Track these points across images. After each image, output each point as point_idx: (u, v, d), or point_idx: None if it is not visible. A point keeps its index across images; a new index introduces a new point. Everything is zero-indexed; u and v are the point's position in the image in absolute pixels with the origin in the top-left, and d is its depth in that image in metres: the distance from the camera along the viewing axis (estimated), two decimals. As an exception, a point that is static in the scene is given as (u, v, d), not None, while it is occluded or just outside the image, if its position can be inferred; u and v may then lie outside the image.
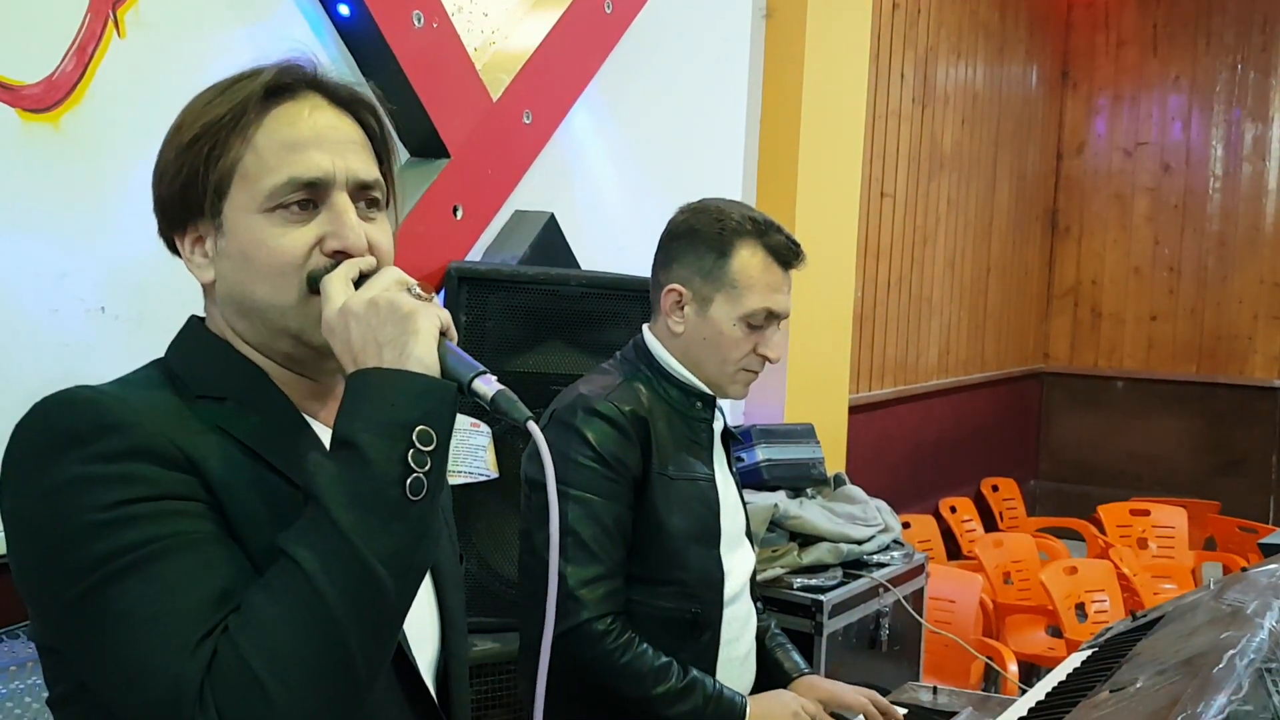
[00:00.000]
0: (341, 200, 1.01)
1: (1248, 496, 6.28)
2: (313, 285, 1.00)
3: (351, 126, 1.05)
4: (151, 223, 1.05)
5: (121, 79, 2.09)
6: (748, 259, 1.78)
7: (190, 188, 1.01)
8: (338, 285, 0.98)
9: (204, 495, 0.94)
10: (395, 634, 0.94)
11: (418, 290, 0.99)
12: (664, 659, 1.71)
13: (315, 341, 1.02)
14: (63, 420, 0.93)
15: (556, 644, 1.67)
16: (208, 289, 1.06)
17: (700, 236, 1.80)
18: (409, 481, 0.91)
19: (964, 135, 5.79)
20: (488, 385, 0.97)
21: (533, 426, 0.97)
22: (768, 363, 1.83)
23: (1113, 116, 6.89)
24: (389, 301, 0.96)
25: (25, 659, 1.83)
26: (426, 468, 0.92)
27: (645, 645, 1.70)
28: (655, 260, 1.87)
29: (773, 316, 1.80)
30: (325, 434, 1.06)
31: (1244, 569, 2.02)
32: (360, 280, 0.99)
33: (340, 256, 1.01)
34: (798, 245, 1.82)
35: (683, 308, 1.81)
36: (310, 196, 1.01)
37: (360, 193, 1.03)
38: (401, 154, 2.61)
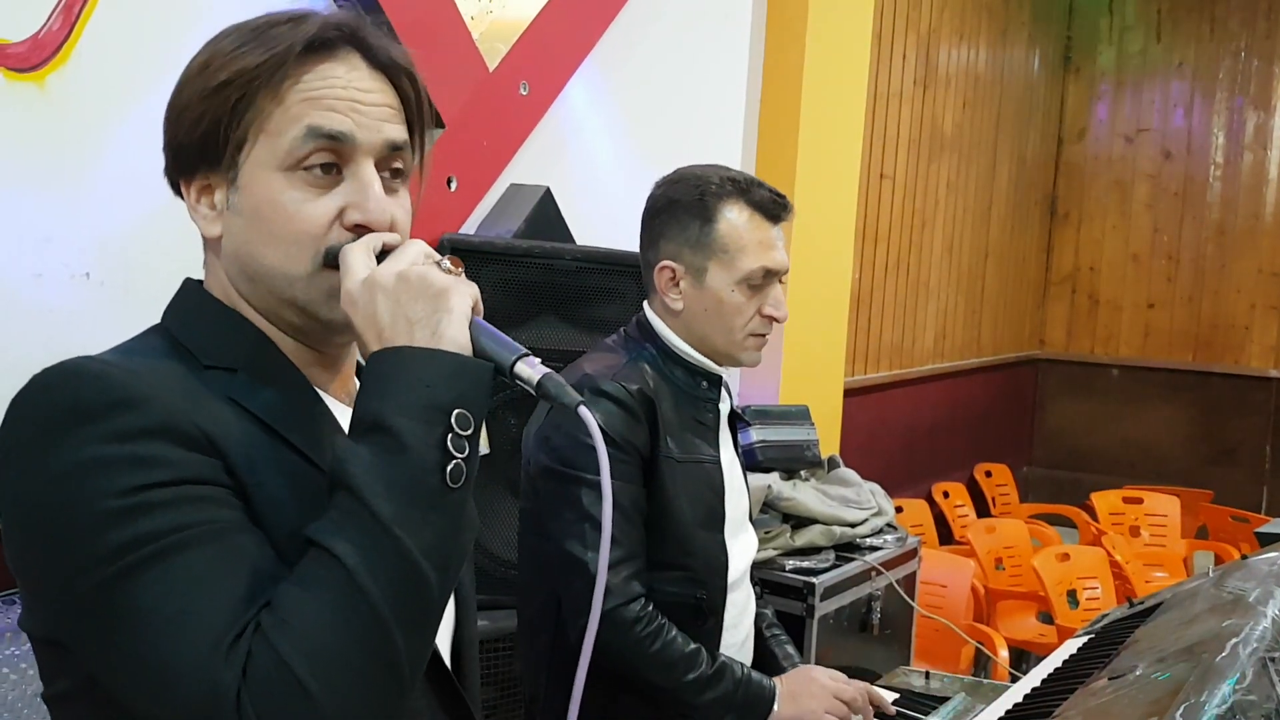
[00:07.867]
0: (367, 170, 0.96)
1: (1241, 486, 6.27)
2: (329, 260, 0.94)
3: (387, 91, 0.99)
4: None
5: (109, 39, 2.05)
6: (734, 220, 1.73)
7: (210, 137, 0.94)
8: (359, 257, 0.92)
9: (225, 479, 0.87)
10: (435, 630, 0.89)
11: (446, 264, 0.93)
12: (693, 645, 1.68)
13: (322, 315, 0.96)
14: (70, 394, 0.85)
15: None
16: (211, 244, 0.99)
17: (681, 206, 1.75)
18: (449, 468, 0.85)
19: (965, 118, 5.74)
20: (532, 369, 0.92)
21: (584, 412, 0.91)
22: (775, 323, 1.77)
23: (1114, 102, 6.85)
24: (420, 276, 0.90)
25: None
26: (465, 453, 0.87)
27: (675, 632, 1.68)
28: (641, 240, 1.82)
29: (771, 274, 1.75)
30: (337, 407, 1.02)
31: (1244, 557, 1.99)
32: (383, 255, 0.93)
33: (361, 230, 0.95)
34: (783, 197, 1.76)
35: (678, 283, 1.76)
36: (333, 158, 0.95)
37: (386, 161, 0.98)
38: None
